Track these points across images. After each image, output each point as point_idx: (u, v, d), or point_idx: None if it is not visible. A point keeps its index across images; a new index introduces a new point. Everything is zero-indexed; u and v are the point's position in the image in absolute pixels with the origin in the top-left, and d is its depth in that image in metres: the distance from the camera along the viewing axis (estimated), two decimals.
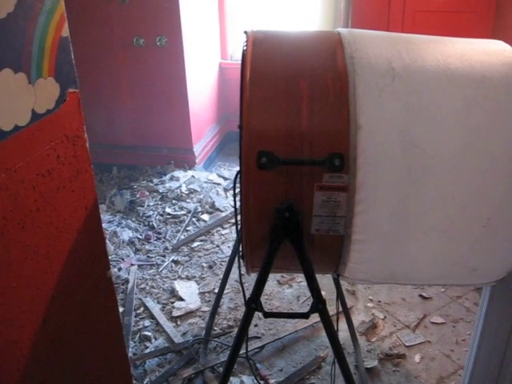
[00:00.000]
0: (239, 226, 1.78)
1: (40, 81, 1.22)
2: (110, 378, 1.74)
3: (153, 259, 3.30)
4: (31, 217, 1.23)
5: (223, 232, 3.58)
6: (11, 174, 1.15)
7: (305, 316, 1.65)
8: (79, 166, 1.40)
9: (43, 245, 1.29)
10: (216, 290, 2.93)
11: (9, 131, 1.13)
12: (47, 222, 1.30)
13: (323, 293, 1.63)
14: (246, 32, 1.61)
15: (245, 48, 1.54)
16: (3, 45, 1.10)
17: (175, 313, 2.82)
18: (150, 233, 3.55)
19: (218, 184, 4.19)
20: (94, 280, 1.56)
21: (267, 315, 1.70)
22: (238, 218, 1.76)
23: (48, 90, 1.26)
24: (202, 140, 4.60)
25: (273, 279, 3.04)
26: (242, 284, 1.88)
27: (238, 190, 1.75)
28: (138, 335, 2.67)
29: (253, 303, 1.62)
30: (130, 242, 3.46)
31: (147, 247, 3.42)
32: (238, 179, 1.65)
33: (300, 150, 1.41)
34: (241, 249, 1.69)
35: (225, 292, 2.80)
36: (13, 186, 1.16)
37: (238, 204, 1.82)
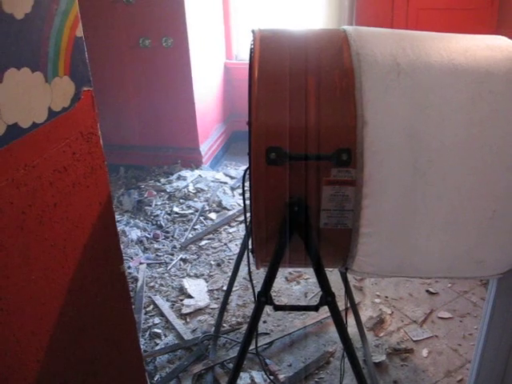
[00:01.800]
0: (248, 222, 1.81)
1: (56, 79, 1.26)
2: (123, 370, 1.78)
3: (161, 258, 3.33)
4: (49, 211, 1.27)
5: (230, 230, 3.61)
6: (29, 170, 1.19)
7: (314, 309, 1.68)
8: (94, 163, 1.44)
9: (60, 239, 1.33)
10: (224, 288, 2.95)
11: (27, 128, 1.17)
12: (64, 217, 1.33)
13: None
14: (253, 30, 1.63)
15: (252, 46, 1.57)
16: (21, 44, 1.13)
17: (184, 310, 2.85)
18: (158, 232, 3.58)
19: (225, 183, 4.22)
20: (108, 274, 1.59)
21: (277, 308, 1.72)
22: (247, 214, 1.79)
23: (64, 89, 1.29)
24: (209, 139, 4.63)
25: (281, 276, 3.07)
26: (251, 280, 1.90)
27: (246, 188, 1.78)
28: (147, 332, 2.69)
29: (263, 297, 1.64)
30: (139, 241, 3.49)
31: (155, 246, 3.45)
32: (247, 176, 1.68)
33: (308, 145, 1.44)
34: (250, 244, 1.71)
35: (233, 289, 2.82)
36: (31, 181, 1.20)
37: (247, 201, 1.85)
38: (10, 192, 1.14)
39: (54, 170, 1.28)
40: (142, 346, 2.58)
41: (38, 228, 1.24)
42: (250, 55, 1.58)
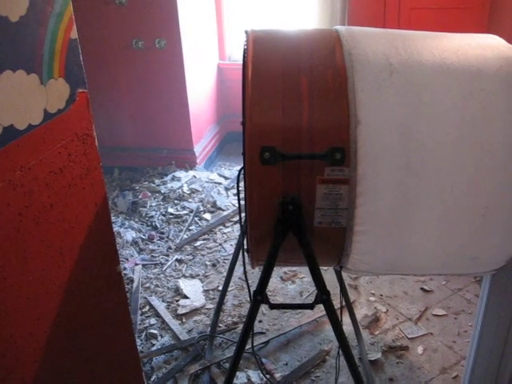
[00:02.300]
0: (243, 222, 1.82)
1: (51, 81, 1.27)
2: (120, 370, 1.78)
3: (157, 258, 3.34)
4: (45, 213, 1.27)
5: (225, 230, 3.62)
6: (26, 172, 1.20)
7: (310, 307, 1.68)
8: (89, 164, 1.44)
9: (56, 240, 1.34)
10: (220, 288, 2.96)
11: (23, 130, 1.18)
12: (60, 218, 1.34)
13: None
14: (246, 31, 1.64)
15: (245, 47, 1.58)
16: (16, 47, 1.14)
17: (180, 310, 2.85)
18: (153, 233, 3.59)
19: (219, 183, 4.23)
20: (105, 274, 1.60)
21: (273, 307, 1.73)
22: (242, 214, 1.80)
23: (59, 91, 1.30)
24: (203, 140, 4.63)
25: (276, 275, 3.08)
26: (246, 279, 1.91)
27: (240, 188, 1.79)
28: (144, 333, 2.70)
29: (259, 295, 1.65)
30: (134, 242, 3.49)
31: (151, 247, 3.46)
32: (242, 176, 1.69)
33: (302, 144, 1.45)
34: (246, 243, 1.72)
35: (229, 289, 2.83)
36: (27, 183, 1.21)
37: (242, 201, 1.86)
38: (7, 193, 1.15)
39: (50, 171, 1.29)
40: (138, 347, 2.58)
41: (34, 229, 1.25)
42: (244, 56, 1.59)
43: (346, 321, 2.59)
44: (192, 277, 3.15)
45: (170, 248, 3.44)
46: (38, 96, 1.22)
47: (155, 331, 2.70)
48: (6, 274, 1.17)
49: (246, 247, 1.74)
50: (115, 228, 3.60)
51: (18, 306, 1.22)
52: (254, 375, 2.39)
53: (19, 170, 1.17)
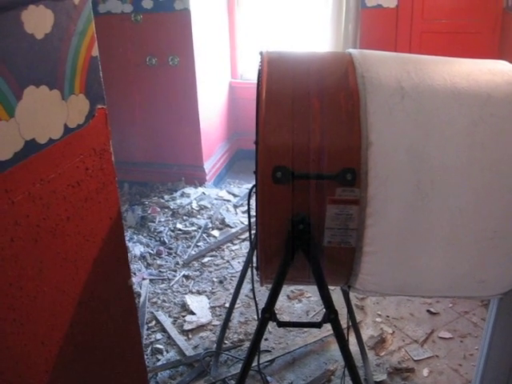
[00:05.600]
0: (253, 239, 1.84)
1: (72, 97, 1.30)
2: (128, 382, 1.79)
3: (164, 274, 3.35)
4: (62, 225, 1.30)
5: (233, 248, 3.63)
6: (45, 185, 1.23)
7: (317, 326, 1.69)
8: (105, 179, 1.47)
9: (71, 252, 1.36)
10: (226, 305, 2.97)
11: (43, 144, 1.21)
12: (75, 231, 1.37)
13: None
14: (261, 52, 1.68)
15: (260, 68, 1.61)
16: (41, 63, 1.18)
17: (186, 326, 2.86)
18: (162, 248, 3.60)
19: (228, 201, 4.25)
20: (117, 287, 1.62)
21: (281, 324, 1.74)
22: (252, 231, 1.81)
23: (79, 106, 1.34)
24: (213, 157, 4.66)
25: (282, 294, 3.08)
26: (254, 297, 1.92)
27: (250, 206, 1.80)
28: (149, 348, 2.70)
29: (267, 313, 1.66)
30: (142, 257, 3.51)
31: (158, 262, 3.47)
32: (252, 193, 1.71)
33: (314, 164, 1.47)
34: (255, 261, 1.74)
35: (235, 306, 2.83)
36: (46, 195, 1.24)
37: (251, 218, 1.88)
38: (26, 205, 1.18)
39: (68, 184, 1.32)
40: None
41: (51, 241, 1.27)
42: (258, 76, 1.62)
43: (352, 341, 2.58)
44: (199, 293, 3.15)
45: (177, 264, 3.45)
46: (59, 111, 1.26)
47: (161, 346, 2.71)
48: (23, 284, 1.19)
49: (255, 265, 1.75)
50: None
51: (33, 316, 1.24)
52: None
53: (39, 182, 1.21)
